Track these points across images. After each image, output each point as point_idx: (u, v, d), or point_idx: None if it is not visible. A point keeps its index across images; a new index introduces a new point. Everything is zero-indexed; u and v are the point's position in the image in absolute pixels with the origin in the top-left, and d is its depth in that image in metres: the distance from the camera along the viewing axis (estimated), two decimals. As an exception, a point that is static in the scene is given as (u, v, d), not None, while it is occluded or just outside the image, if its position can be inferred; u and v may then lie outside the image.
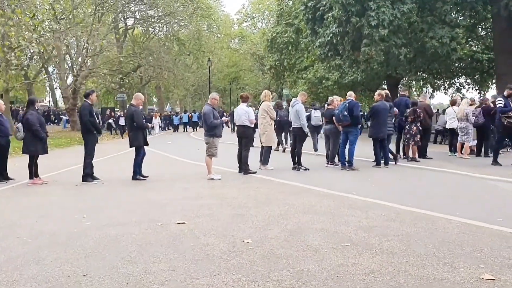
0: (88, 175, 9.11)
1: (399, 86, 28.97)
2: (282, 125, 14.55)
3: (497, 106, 10.84)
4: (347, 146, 10.34)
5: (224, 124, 11.07)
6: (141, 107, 9.60)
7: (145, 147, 9.41)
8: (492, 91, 28.98)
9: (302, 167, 10.30)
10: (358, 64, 22.29)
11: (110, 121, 31.40)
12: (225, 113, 35.21)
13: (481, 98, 17.60)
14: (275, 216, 5.83)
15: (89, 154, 9.14)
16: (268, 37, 38.65)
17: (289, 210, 6.21)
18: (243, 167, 9.82)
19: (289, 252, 4.35)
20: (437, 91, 35.95)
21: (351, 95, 10.43)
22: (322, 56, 23.43)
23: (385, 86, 31.60)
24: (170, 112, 46.24)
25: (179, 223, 5.52)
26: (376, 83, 29.60)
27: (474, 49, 28.77)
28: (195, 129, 36.38)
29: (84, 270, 3.96)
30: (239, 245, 4.60)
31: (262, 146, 10.53)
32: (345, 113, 9.90)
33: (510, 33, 20.93)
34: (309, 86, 33.51)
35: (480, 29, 27.23)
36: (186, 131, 36.41)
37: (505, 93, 10.91)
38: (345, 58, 21.77)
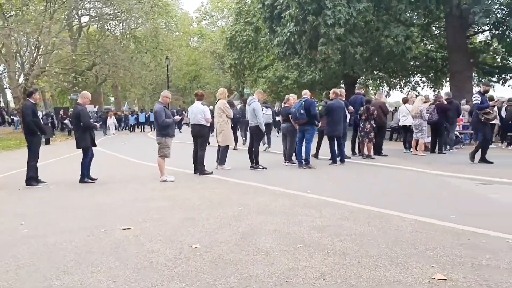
0: (32, 178, 8.59)
1: (356, 85, 29.39)
2: (234, 123, 14.34)
3: (474, 103, 10.78)
4: (304, 144, 10.25)
5: (184, 124, 10.78)
6: (97, 107, 9.15)
7: (93, 148, 8.98)
8: (446, 89, 29.85)
9: (259, 166, 10.13)
10: (316, 63, 22.36)
11: (67, 121, 30.32)
12: (184, 112, 34.59)
13: (435, 95, 18.00)
14: (228, 218, 5.61)
15: (33, 157, 8.62)
16: (227, 36, 38.38)
17: (243, 211, 6.01)
18: (199, 167, 9.55)
19: (238, 257, 4.14)
20: (393, 89, 36.71)
21: (306, 93, 10.35)
22: (280, 55, 23.40)
23: (343, 85, 32.02)
24: (128, 111, 45.00)
25: (125, 229, 5.21)
26: (334, 82, 29.87)
27: (429, 47, 29.50)
28: (152, 129, 35.58)
29: (12, 284, 3.62)
30: (186, 251, 4.35)
31: (218, 145, 10.29)
32: (302, 111, 9.80)
33: (462, 32, 21.56)
34: (269, 85, 33.50)
35: (434, 28, 27.93)
36: (143, 131, 35.60)
37: (481, 89, 11.00)
38: (303, 57, 21.81)
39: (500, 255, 4.04)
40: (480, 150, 10.63)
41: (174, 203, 6.66)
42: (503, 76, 27.55)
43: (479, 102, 10.53)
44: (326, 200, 6.64)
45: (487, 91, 11.06)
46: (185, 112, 36.60)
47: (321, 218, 5.52)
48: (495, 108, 11.86)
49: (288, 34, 20.37)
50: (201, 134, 9.65)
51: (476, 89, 29.30)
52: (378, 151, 12.52)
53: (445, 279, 3.51)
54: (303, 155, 10.26)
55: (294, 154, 10.80)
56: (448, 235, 4.74)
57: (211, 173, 9.51)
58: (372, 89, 39.25)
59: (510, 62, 26.90)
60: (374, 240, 4.59)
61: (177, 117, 10.50)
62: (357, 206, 6.19)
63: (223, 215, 5.78)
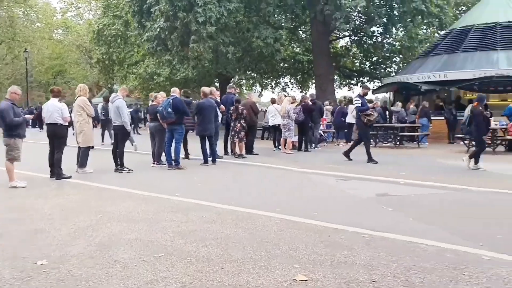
0: None
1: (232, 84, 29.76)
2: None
3: (355, 105, 11.16)
4: (173, 144, 9.92)
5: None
6: None
7: None
8: (312, 90, 31.64)
9: (125, 169, 9.56)
10: (188, 61, 22.08)
11: None
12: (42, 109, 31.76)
13: (303, 96, 18.90)
14: (84, 228, 5.08)
15: None
16: (94, 29, 36.20)
17: (102, 219, 5.50)
18: (56, 171, 8.65)
19: (91, 272, 3.71)
20: (265, 89, 37.96)
21: (175, 91, 10.04)
22: (151, 51, 22.65)
23: (217, 84, 32.21)
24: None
25: (-46, 248, 4.42)
26: (208, 81, 29.91)
27: (296, 50, 31.00)
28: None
29: None
30: (29, 269, 3.79)
31: (79, 146, 9.47)
32: (169, 110, 9.44)
33: (325, 37, 22.96)
34: (140, 81, 32.41)
35: (301, 32, 29.41)
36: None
37: (361, 92, 11.51)
38: (175, 54, 21.34)
39: (356, 251, 4.19)
40: (352, 148, 11.14)
41: (22, 213, 5.88)
42: (361, 79, 30.08)
43: (360, 104, 10.96)
44: (195, 203, 6.42)
45: (366, 94, 11.71)
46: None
47: (187, 223, 5.28)
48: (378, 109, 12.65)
49: (158, 29, 19.73)
50: (58, 135, 8.73)
51: (338, 91, 31.68)
52: (249, 150, 12.68)
53: (306, 280, 3.51)
54: (173, 155, 9.93)
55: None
56: (310, 232, 4.82)
57: (69, 177, 8.68)
58: (245, 89, 40.16)
59: (367, 67, 29.45)
60: (239, 243, 4.48)
61: (28, 116, 9.43)
62: (225, 207, 6.08)
63: (79, 225, 5.23)
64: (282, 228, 4.99)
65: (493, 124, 12.86)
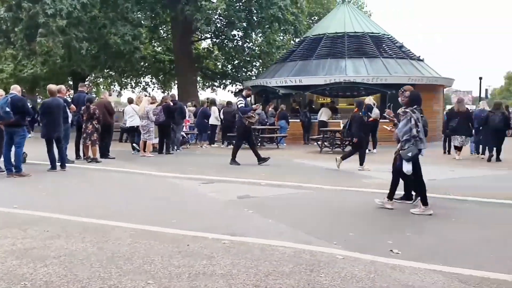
0: None
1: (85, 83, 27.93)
2: None
3: (239, 106, 10.87)
4: (13, 149, 8.75)
5: None
6: None
7: None
8: (174, 91, 31.16)
9: (-48, 178, 8.18)
10: (36, 56, 20.05)
11: None
12: None
13: (163, 96, 18.40)
14: None
15: None
16: None
17: None
18: None
19: None
20: (124, 89, 36.42)
21: (15, 88, 8.87)
22: (-10, 43, 20.11)
23: (71, 83, 30.09)
24: None
25: None
26: (61, 79, 27.67)
27: (157, 50, 30.26)
28: None
29: None
30: None
31: None
32: (7, 109, 8.27)
33: (187, 37, 22.75)
34: (-22, 77, 28.64)
35: (162, 31, 28.77)
36: None
37: (244, 93, 11.18)
38: (19, 48, 19.17)
39: (216, 259, 3.99)
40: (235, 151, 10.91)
41: None
42: (224, 81, 30.51)
43: (244, 105, 10.77)
44: (37, 215, 5.65)
45: (249, 95, 11.57)
46: None
47: (25, 239, 4.57)
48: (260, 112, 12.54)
49: (-1, 20, 17.58)
50: None
51: (201, 92, 31.75)
52: (105, 153, 11.84)
53: (161, 297, 3.20)
54: (13, 161, 8.75)
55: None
56: (168, 243, 4.50)
57: None
58: (103, 88, 38.13)
59: (229, 69, 29.95)
60: (86, 259, 3.98)
61: None
62: (73, 219, 5.44)
63: None
64: (137, 240, 4.59)
65: (342, 126, 13.85)
